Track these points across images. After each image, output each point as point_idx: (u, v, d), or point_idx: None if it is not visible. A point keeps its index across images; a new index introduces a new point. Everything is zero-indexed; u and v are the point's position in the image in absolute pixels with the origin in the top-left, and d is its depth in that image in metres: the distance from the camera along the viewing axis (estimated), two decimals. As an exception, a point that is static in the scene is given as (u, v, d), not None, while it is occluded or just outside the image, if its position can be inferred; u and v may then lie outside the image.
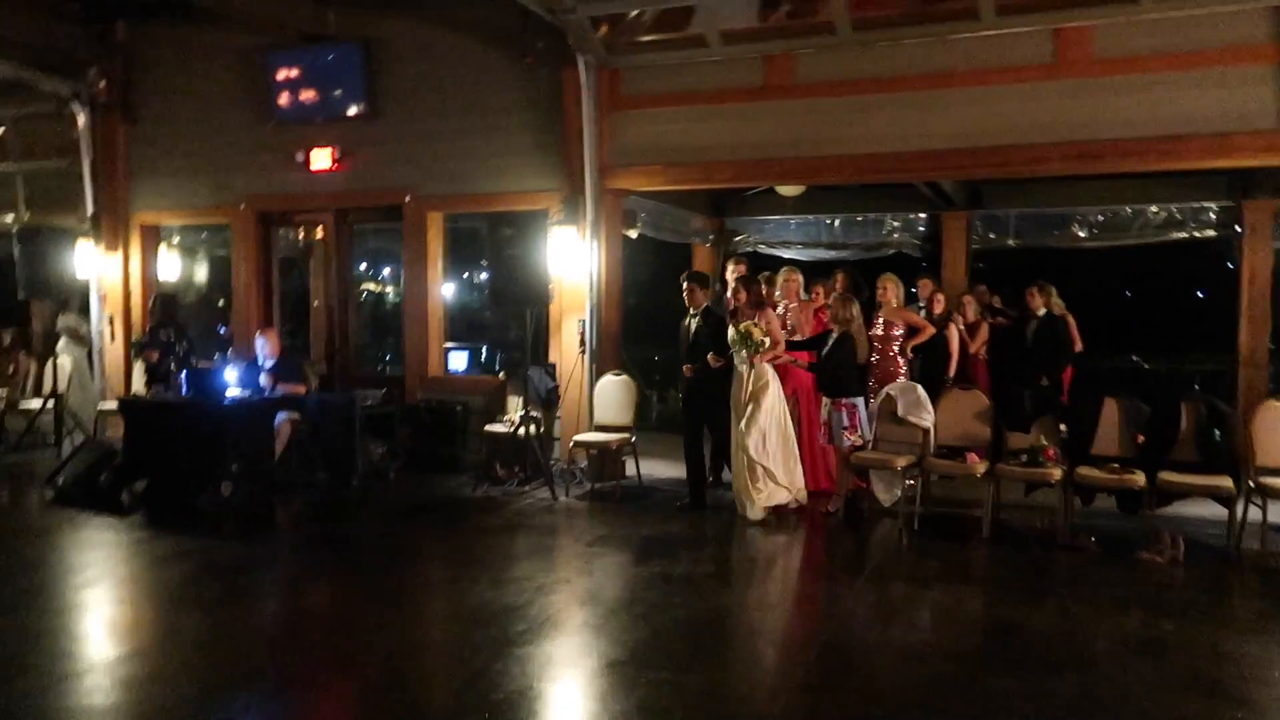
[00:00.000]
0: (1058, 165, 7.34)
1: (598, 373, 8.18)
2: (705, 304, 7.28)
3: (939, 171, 8.25)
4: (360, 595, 5.52)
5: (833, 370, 7.00)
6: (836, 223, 10.99)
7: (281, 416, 7.89)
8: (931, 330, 7.74)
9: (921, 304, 8.62)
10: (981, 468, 6.58)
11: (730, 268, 8.10)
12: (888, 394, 7.02)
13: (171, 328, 9.00)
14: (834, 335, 7.02)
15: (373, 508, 7.64)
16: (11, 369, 10.68)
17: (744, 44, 7.77)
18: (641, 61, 8.12)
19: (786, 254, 10.95)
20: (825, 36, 7.52)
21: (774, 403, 6.99)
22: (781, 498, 7.00)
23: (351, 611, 5.26)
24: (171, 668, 4.35)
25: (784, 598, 5.65)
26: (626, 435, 7.85)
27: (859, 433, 6.92)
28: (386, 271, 15.43)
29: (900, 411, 6.88)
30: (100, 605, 5.35)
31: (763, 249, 11.18)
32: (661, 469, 8.52)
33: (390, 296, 15.39)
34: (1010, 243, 10.57)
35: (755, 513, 6.88)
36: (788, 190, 10.20)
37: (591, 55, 8.00)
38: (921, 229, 10.85)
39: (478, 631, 4.69)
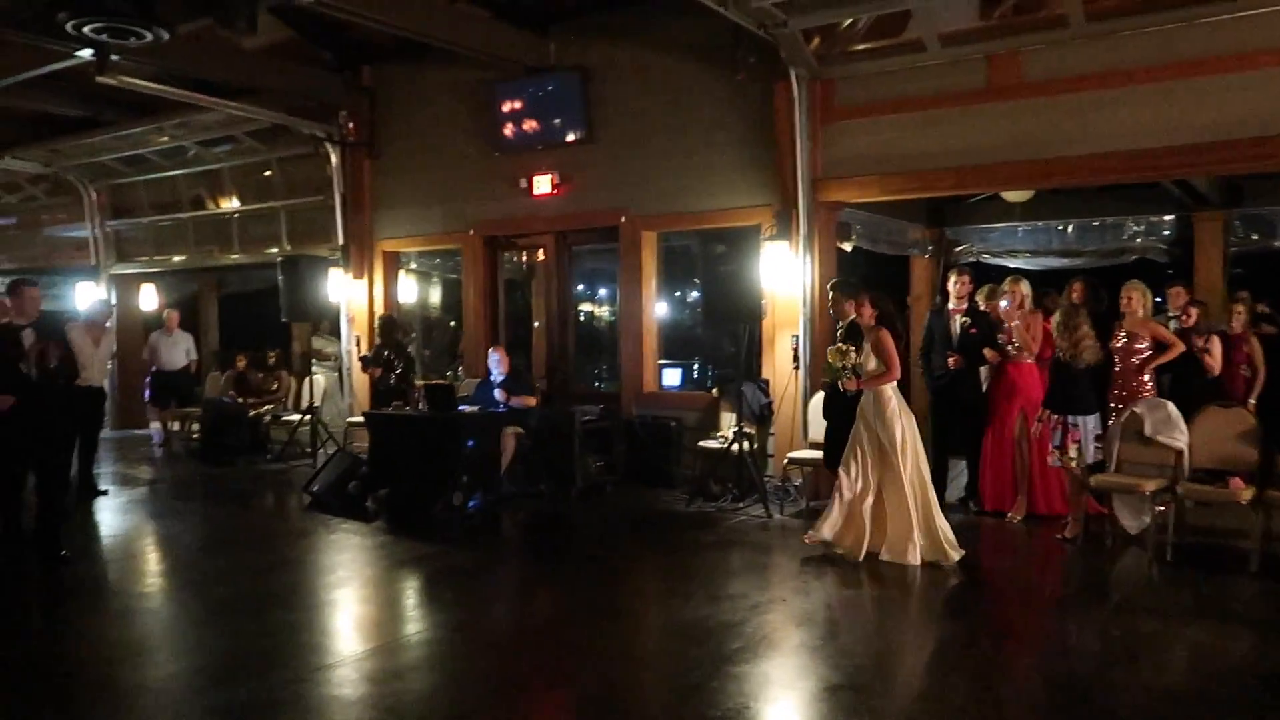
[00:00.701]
0: (1338, 154, 6.52)
1: (812, 389, 8.04)
2: (852, 316, 6.78)
3: (1190, 168, 7.51)
4: (580, 605, 5.67)
5: (1058, 384, 6.55)
6: (1070, 228, 10.25)
7: (506, 431, 8.28)
8: (1181, 348, 6.98)
9: (1172, 313, 7.86)
10: (1248, 494, 5.90)
11: (952, 279, 7.77)
12: (1133, 411, 6.45)
13: (392, 347, 9.71)
14: (1061, 346, 6.56)
15: (591, 520, 7.85)
16: (275, 386, 11.89)
17: (965, 45, 7.44)
18: (855, 71, 7.94)
19: (1013, 263, 10.33)
20: (1056, 30, 7.08)
21: (899, 440, 6.09)
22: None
23: (572, 620, 5.42)
24: (410, 665, 4.64)
25: (1016, 628, 5.28)
26: (842, 453, 7.63)
27: (1070, 453, 6.40)
28: (602, 291, 15.92)
29: (1148, 430, 6.29)
30: (348, 604, 5.80)
31: (987, 259, 10.60)
32: (879, 488, 8.24)
33: (606, 316, 15.85)
34: (1278, 244, 9.47)
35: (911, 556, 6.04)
36: (1014, 196, 9.63)
37: (803, 68, 7.91)
38: (1168, 232, 9.93)
39: (694, 647, 4.69)
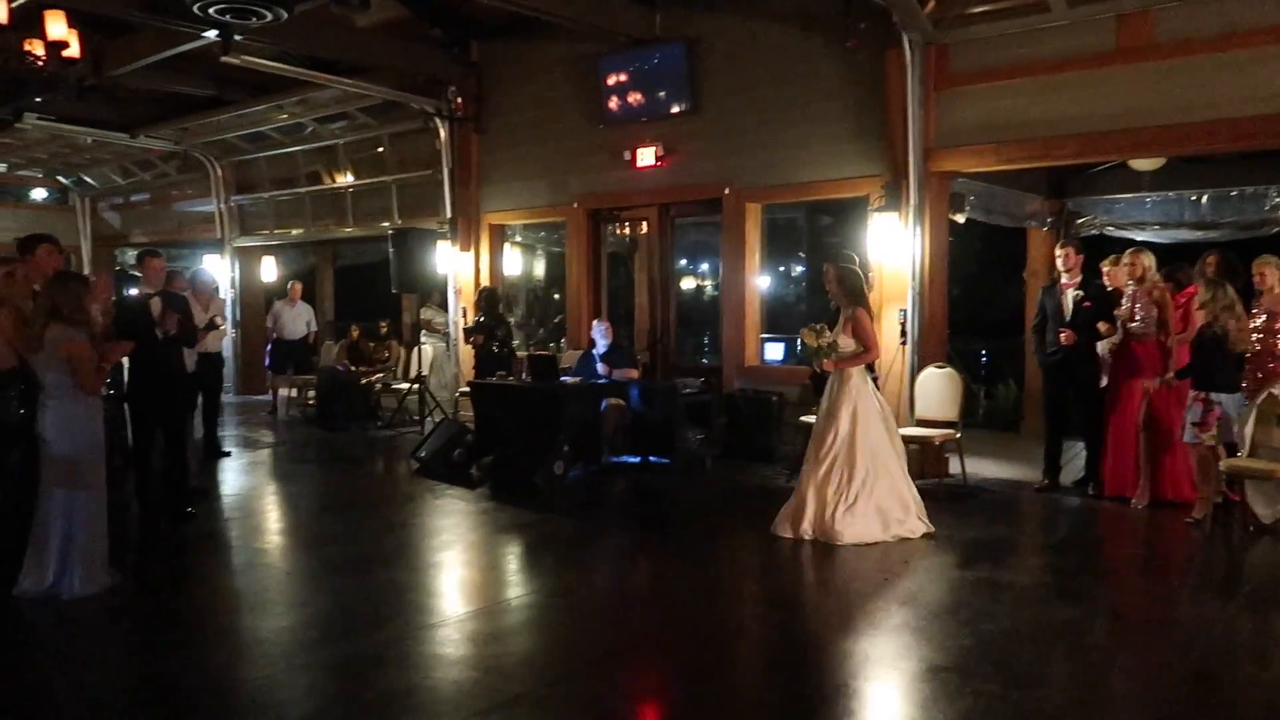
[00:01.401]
0: None
1: (920, 365, 7.82)
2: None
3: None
4: (678, 576, 5.67)
5: (1203, 360, 6.19)
6: (1204, 199, 9.60)
7: (607, 402, 8.33)
8: None
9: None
10: (1398, 484, 5.46)
11: (1059, 252, 7.44)
12: (1271, 394, 6.04)
13: (493, 318, 9.86)
14: (1202, 322, 6.19)
15: (690, 492, 7.84)
16: (386, 355, 12.25)
17: (1093, 4, 7.03)
18: (972, 35, 7.62)
19: (1140, 236, 9.77)
20: (1194, -14, 6.63)
21: (847, 423, 6.07)
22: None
23: (670, 591, 5.43)
24: (511, 628, 4.73)
25: (1135, 617, 5.01)
26: (951, 431, 7.43)
27: (1212, 432, 6.04)
28: (704, 265, 15.86)
29: (1287, 414, 5.89)
30: (452, 566, 5.95)
31: (1111, 231, 10.06)
32: (990, 468, 8.00)
33: (708, 289, 15.80)
34: None
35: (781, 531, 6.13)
36: (1143, 164, 9.09)
37: (917, 33, 7.63)
38: (1317, 204, 9.22)
39: (794, 622, 4.64)
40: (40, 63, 6.57)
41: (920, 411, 7.66)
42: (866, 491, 6.00)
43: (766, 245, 9.62)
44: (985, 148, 7.68)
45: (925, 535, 6.07)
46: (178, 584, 5.66)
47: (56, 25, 6.37)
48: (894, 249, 7.91)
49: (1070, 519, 6.89)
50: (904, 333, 7.94)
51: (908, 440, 7.52)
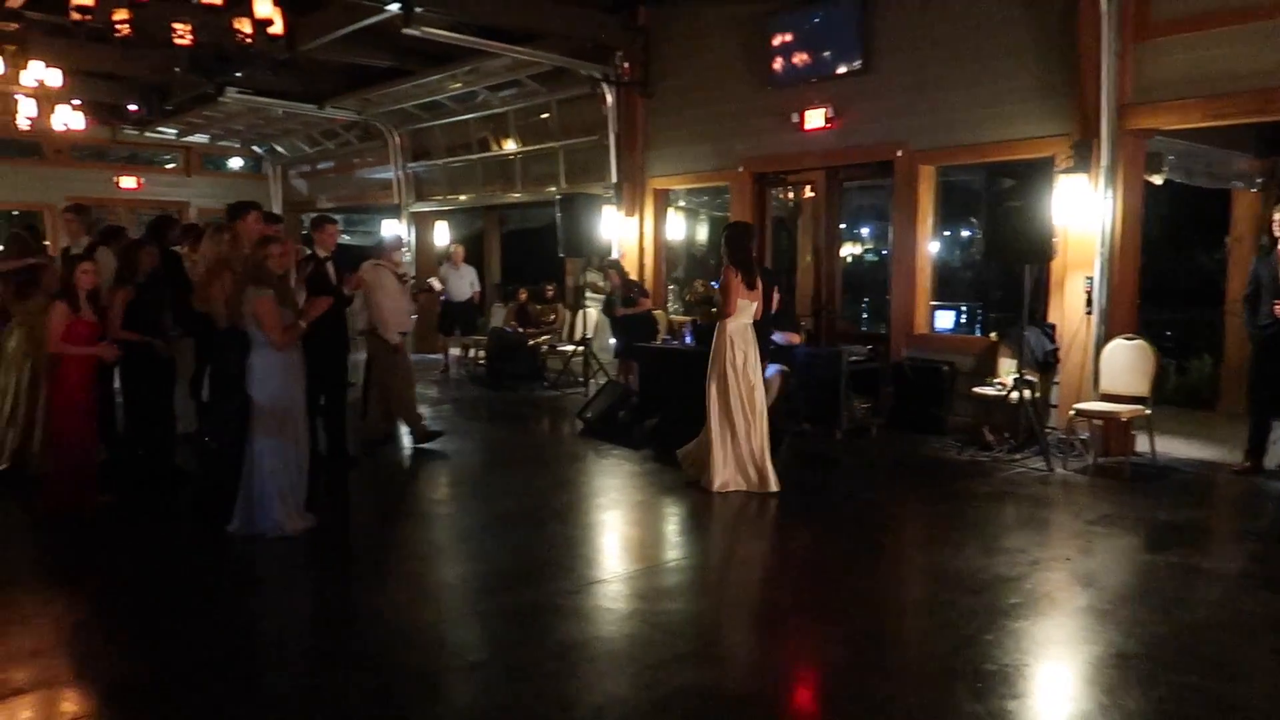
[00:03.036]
0: None
1: (1107, 336, 7.37)
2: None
3: None
4: (844, 544, 5.61)
5: None
6: None
7: (773, 369, 8.25)
8: None
9: None
10: None
11: (1277, 216, 6.80)
12: None
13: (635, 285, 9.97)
14: None
15: (855, 462, 7.70)
16: (552, 318, 12.57)
17: (1324, -62, 6.36)
18: (1179, -21, 7.03)
19: (1366, 197, 8.83)
20: None
21: (718, 371, 6.62)
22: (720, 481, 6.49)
23: (836, 559, 5.37)
24: (678, 588, 4.80)
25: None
26: (1140, 407, 6.99)
27: None
28: (865, 229, 15.44)
29: None
30: (618, 525, 6.09)
31: (1330, 191, 9.13)
32: (1181, 448, 7.49)
33: (870, 255, 15.38)
34: None
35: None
36: (1376, 117, 8.18)
37: (1115, -21, 7.11)
38: None
39: (967, 598, 4.51)
40: (248, 40, 7.03)
41: (1105, 386, 7.23)
42: (733, 440, 6.54)
43: (940, 209, 9.25)
44: (1190, 102, 7.10)
45: (768, 493, 6.44)
46: (364, 530, 6.06)
47: (263, 4, 6.79)
48: (1081, 213, 7.45)
49: (1275, 504, 6.38)
50: (1089, 302, 7.49)
51: (1090, 415, 7.16)
